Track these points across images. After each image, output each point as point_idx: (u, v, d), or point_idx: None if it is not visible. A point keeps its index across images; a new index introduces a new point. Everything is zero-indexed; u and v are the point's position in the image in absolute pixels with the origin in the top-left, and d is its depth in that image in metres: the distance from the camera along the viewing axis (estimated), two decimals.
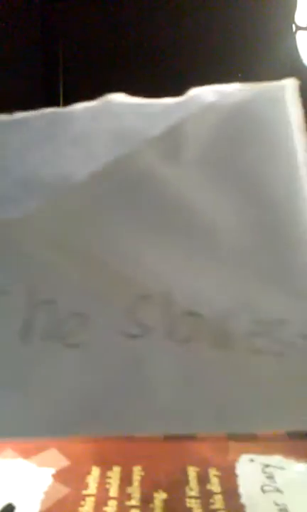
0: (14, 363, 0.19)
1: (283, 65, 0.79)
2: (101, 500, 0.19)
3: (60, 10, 0.79)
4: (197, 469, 0.21)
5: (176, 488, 0.20)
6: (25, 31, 0.73)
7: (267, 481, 0.20)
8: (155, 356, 0.18)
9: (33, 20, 0.76)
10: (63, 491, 0.19)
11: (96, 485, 0.20)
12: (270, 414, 0.18)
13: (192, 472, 0.21)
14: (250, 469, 0.21)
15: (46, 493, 0.19)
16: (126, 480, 0.20)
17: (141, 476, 0.20)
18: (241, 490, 0.19)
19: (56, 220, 0.20)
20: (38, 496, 0.19)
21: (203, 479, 0.20)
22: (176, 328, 0.19)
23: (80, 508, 0.18)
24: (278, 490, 0.19)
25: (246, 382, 0.19)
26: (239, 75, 0.85)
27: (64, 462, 0.21)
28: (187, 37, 0.79)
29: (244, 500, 0.19)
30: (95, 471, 0.20)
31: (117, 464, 0.21)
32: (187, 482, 0.20)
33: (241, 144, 0.21)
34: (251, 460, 0.21)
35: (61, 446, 0.22)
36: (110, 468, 0.21)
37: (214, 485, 0.20)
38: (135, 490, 0.19)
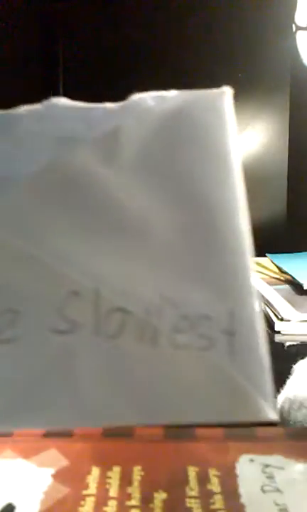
0: None
1: (283, 65, 0.79)
2: (101, 500, 0.19)
3: (60, 10, 0.79)
4: (197, 469, 0.21)
5: (176, 488, 0.20)
6: (25, 31, 0.73)
7: (267, 481, 0.20)
8: (83, 352, 0.20)
9: (32, 20, 0.76)
10: (63, 491, 0.19)
11: (96, 485, 0.20)
12: (190, 406, 0.19)
13: (192, 472, 0.21)
14: (250, 469, 0.21)
15: (46, 493, 0.19)
16: (126, 480, 0.20)
17: (141, 476, 0.20)
18: (241, 490, 0.19)
19: None
20: (38, 496, 0.19)
21: (203, 479, 0.20)
22: (104, 324, 0.20)
23: (80, 508, 0.18)
24: (278, 490, 0.19)
25: (170, 377, 0.19)
26: (239, 75, 0.86)
27: (64, 462, 0.21)
28: (187, 37, 0.79)
29: (244, 500, 0.19)
30: (95, 471, 0.20)
31: (117, 464, 0.21)
32: (187, 482, 0.20)
33: (176, 147, 0.22)
34: (251, 460, 0.21)
35: (61, 446, 0.22)
36: (110, 469, 0.21)
37: (214, 485, 0.20)
38: (135, 490, 0.19)
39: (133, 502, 0.19)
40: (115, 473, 0.20)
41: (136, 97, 0.24)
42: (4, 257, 0.20)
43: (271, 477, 0.20)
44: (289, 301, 0.49)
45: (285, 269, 0.63)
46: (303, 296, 0.52)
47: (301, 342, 0.43)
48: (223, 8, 0.78)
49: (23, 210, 0.21)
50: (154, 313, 0.20)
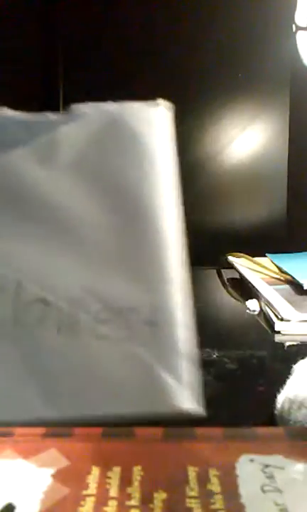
0: None
1: (283, 65, 0.79)
2: (102, 500, 0.19)
3: (60, 10, 0.79)
4: (197, 469, 0.21)
5: (176, 488, 0.20)
6: (25, 31, 0.73)
7: (267, 481, 0.20)
8: (4, 343, 0.20)
9: (32, 20, 0.76)
10: (63, 491, 0.19)
11: (96, 485, 0.20)
12: (108, 398, 0.20)
13: (192, 472, 0.21)
14: (250, 469, 0.21)
15: (46, 493, 0.19)
16: (126, 480, 0.20)
17: (141, 476, 0.20)
18: (242, 490, 0.19)
19: None
20: (38, 496, 0.19)
21: (203, 479, 0.20)
22: (23, 315, 0.21)
23: (80, 508, 0.18)
24: (278, 490, 0.19)
25: (89, 368, 0.20)
26: (239, 75, 0.86)
27: (63, 462, 0.21)
28: (187, 37, 0.79)
29: (244, 500, 0.19)
30: (95, 471, 0.20)
31: (117, 464, 0.21)
32: (187, 482, 0.20)
33: (110, 153, 0.24)
34: (251, 460, 0.21)
35: (61, 446, 0.22)
36: (110, 469, 0.21)
37: (214, 485, 0.20)
38: (135, 490, 0.19)
39: (133, 502, 0.19)
40: (115, 473, 0.20)
41: (77, 107, 0.26)
42: None
43: (271, 477, 0.20)
44: (289, 301, 0.49)
45: (285, 269, 0.63)
46: (303, 296, 0.52)
47: (301, 342, 0.43)
48: (223, 8, 0.78)
49: None
50: (76, 305, 0.21)
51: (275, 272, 0.62)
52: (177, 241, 0.25)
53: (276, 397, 0.31)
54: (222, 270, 0.75)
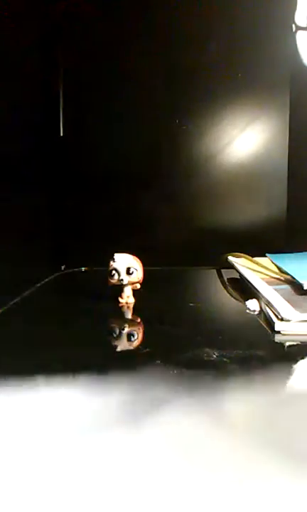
0: None
1: (283, 65, 0.79)
2: None
3: (60, 10, 0.79)
4: None
5: None
6: (25, 31, 0.73)
7: None
8: None
9: (32, 20, 0.76)
10: None
11: None
12: None
13: None
14: None
15: None
16: None
17: None
18: None
19: None
20: None
21: None
22: None
23: None
24: None
25: None
26: (239, 75, 0.86)
27: None
28: (187, 37, 0.79)
29: None
30: None
31: None
32: None
33: None
34: None
35: None
36: None
37: None
38: None
39: None
40: None
41: None
42: None
43: None
44: (289, 301, 0.49)
45: (285, 269, 0.63)
46: (303, 296, 0.52)
47: (301, 342, 0.43)
48: (223, 8, 0.78)
49: None
50: None
51: (275, 272, 0.62)
52: None
53: None
54: (222, 270, 0.75)
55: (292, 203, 0.81)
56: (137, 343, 0.45)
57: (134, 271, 0.54)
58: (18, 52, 0.68)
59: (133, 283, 0.55)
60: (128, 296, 0.56)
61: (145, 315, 0.53)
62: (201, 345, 0.41)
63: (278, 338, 0.44)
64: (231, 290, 0.66)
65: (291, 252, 0.74)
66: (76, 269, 0.80)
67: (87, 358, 0.42)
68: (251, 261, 0.68)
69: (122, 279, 0.54)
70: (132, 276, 0.54)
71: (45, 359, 0.40)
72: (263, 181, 0.82)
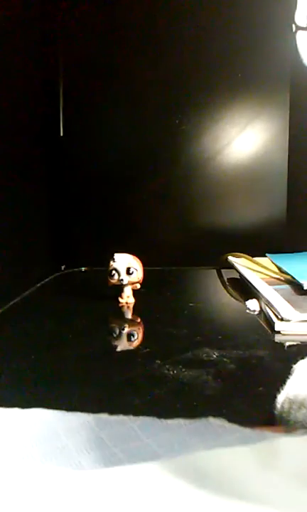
0: None
1: (283, 65, 0.79)
2: None
3: (60, 10, 0.79)
4: None
5: None
6: (25, 32, 0.73)
7: None
8: None
9: (32, 20, 0.76)
10: None
11: None
12: None
13: None
14: None
15: None
16: None
17: None
18: None
19: None
20: None
21: None
22: None
23: None
24: None
25: None
26: (239, 75, 0.86)
27: None
28: (187, 37, 0.79)
29: None
30: None
31: None
32: None
33: None
34: None
35: None
36: None
37: None
38: None
39: None
40: None
41: None
42: None
43: None
44: (289, 301, 0.49)
45: (285, 269, 0.63)
46: (303, 296, 0.52)
47: (301, 342, 0.43)
48: (223, 8, 0.78)
49: None
50: None
51: (275, 272, 0.62)
52: None
53: (276, 397, 0.31)
54: (222, 270, 0.75)
55: (292, 203, 0.81)
56: (137, 343, 0.45)
57: (134, 271, 0.54)
58: (18, 52, 0.68)
59: (133, 283, 0.55)
60: (128, 296, 0.56)
61: (145, 315, 0.53)
62: (201, 345, 0.41)
63: (278, 338, 0.44)
64: (231, 290, 0.66)
65: (291, 252, 0.74)
66: (76, 269, 0.80)
67: (87, 358, 0.42)
68: (251, 261, 0.68)
69: (122, 279, 0.54)
70: (132, 276, 0.54)
71: (45, 359, 0.40)
72: (263, 181, 0.82)
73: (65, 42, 0.79)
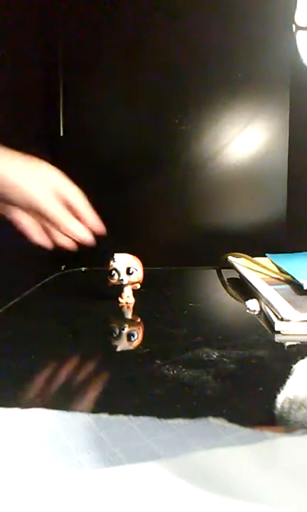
0: None
1: (283, 65, 0.79)
2: None
3: (60, 10, 0.79)
4: None
5: None
6: (25, 31, 0.73)
7: None
8: None
9: (33, 20, 0.76)
10: None
11: None
12: None
13: None
14: None
15: None
16: None
17: None
18: None
19: None
20: None
21: None
22: None
23: None
24: None
25: None
26: (239, 74, 0.86)
27: None
28: (187, 37, 0.79)
29: None
30: None
31: None
32: None
33: None
34: None
35: None
36: None
37: None
38: None
39: None
40: None
41: None
42: None
43: None
44: (289, 301, 0.49)
45: (285, 269, 0.63)
46: (303, 296, 0.52)
47: (301, 342, 0.43)
48: (223, 8, 0.78)
49: None
50: None
51: (275, 272, 0.62)
52: None
53: (276, 397, 0.31)
54: (222, 270, 0.75)
55: (292, 203, 0.81)
56: (137, 343, 0.45)
57: (134, 271, 0.54)
58: (18, 52, 0.68)
59: (133, 283, 0.55)
60: (128, 296, 0.56)
61: (145, 315, 0.53)
62: (201, 345, 0.41)
63: (278, 338, 0.44)
64: (231, 290, 0.66)
65: (291, 252, 0.74)
66: (76, 269, 0.80)
67: (86, 358, 0.42)
68: (251, 261, 0.68)
69: (122, 279, 0.54)
70: (132, 276, 0.54)
71: (45, 359, 0.40)
72: (263, 181, 0.82)
73: (65, 42, 0.79)
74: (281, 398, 0.31)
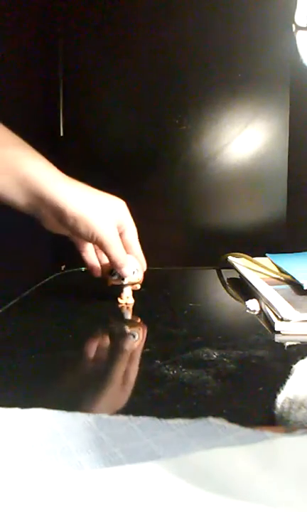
0: None
1: (283, 65, 0.79)
2: None
3: (60, 10, 0.79)
4: None
5: None
6: (25, 31, 0.73)
7: None
8: None
9: (32, 20, 0.76)
10: None
11: None
12: None
13: None
14: None
15: None
16: None
17: None
18: None
19: None
20: None
21: None
22: None
23: None
24: None
25: None
26: (239, 74, 0.86)
27: None
28: (187, 37, 0.79)
29: None
30: None
31: None
32: None
33: None
34: None
35: None
36: None
37: None
38: None
39: None
40: None
41: None
42: None
43: None
44: (289, 301, 0.49)
45: (285, 269, 0.63)
46: (303, 296, 0.52)
47: (301, 342, 0.43)
48: (223, 8, 0.78)
49: None
50: None
51: (275, 272, 0.62)
52: None
53: (276, 397, 0.31)
54: (222, 270, 0.75)
55: (292, 203, 0.81)
56: (137, 343, 0.45)
57: (134, 271, 0.54)
58: (18, 53, 0.68)
59: (133, 283, 0.55)
60: (128, 297, 0.56)
61: (145, 315, 0.53)
62: (201, 345, 0.41)
63: (278, 338, 0.44)
64: (231, 290, 0.66)
65: (291, 252, 0.74)
66: (76, 269, 0.80)
67: (86, 358, 0.42)
68: (251, 261, 0.68)
69: (122, 279, 0.54)
70: (132, 276, 0.54)
71: (45, 359, 0.40)
72: (263, 181, 0.82)
73: (65, 42, 0.79)
74: (281, 398, 0.31)
